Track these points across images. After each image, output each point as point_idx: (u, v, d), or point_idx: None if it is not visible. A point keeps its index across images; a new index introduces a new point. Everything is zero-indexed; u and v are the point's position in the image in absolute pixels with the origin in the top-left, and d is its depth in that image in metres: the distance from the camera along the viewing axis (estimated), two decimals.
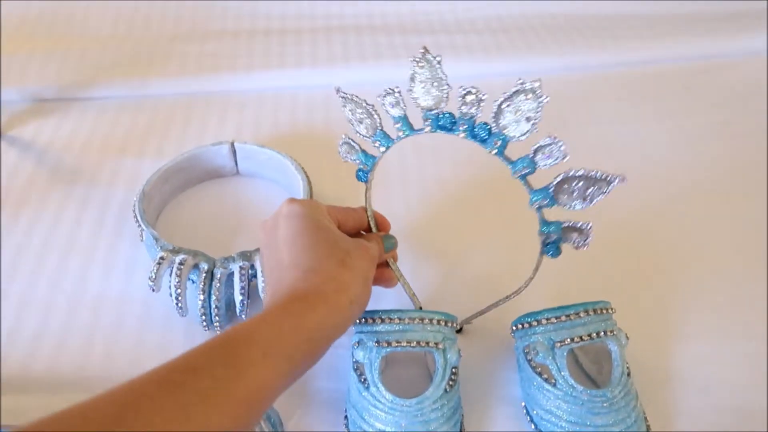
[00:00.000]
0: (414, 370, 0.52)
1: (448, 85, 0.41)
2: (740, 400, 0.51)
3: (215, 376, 0.33)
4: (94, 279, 0.59)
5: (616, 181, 0.38)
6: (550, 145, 0.39)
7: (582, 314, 0.47)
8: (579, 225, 0.42)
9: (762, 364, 0.53)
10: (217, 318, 0.53)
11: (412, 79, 0.41)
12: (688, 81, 0.87)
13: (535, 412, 0.47)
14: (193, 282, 0.53)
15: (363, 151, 0.49)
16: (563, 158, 0.39)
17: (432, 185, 0.70)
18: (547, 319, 0.47)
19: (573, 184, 0.40)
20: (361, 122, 0.47)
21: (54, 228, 0.64)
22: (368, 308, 0.45)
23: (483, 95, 0.40)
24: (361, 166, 0.49)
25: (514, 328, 0.50)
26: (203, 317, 0.53)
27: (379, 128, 0.46)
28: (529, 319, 0.48)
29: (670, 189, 0.71)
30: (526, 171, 0.41)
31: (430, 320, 0.47)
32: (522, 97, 0.38)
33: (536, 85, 0.37)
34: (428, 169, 0.72)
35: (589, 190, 0.39)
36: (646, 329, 0.55)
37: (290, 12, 0.99)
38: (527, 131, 0.39)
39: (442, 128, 0.42)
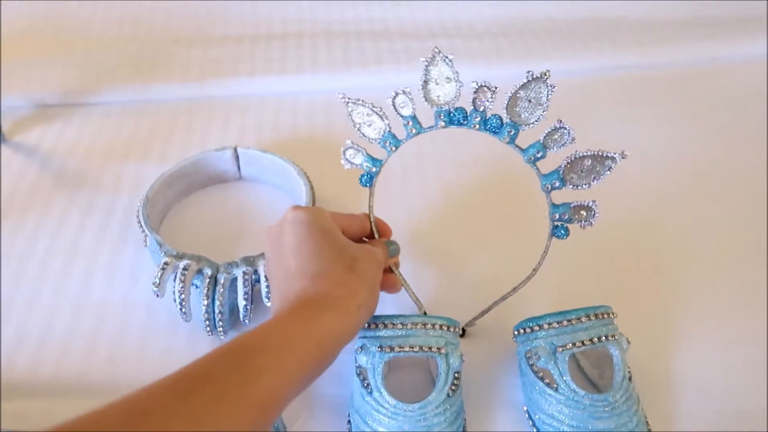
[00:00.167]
0: (417, 375, 0.52)
1: (459, 81, 0.44)
2: (741, 404, 0.51)
3: (226, 383, 0.33)
4: (98, 284, 0.59)
5: (619, 156, 0.43)
6: (559, 129, 0.43)
7: (584, 319, 0.47)
8: (587, 203, 0.45)
9: (762, 367, 0.53)
10: (220, 323, 0.53)
11: (426, 77, 0.44)
12: (688, 85, 0.88)
13: (537, 416, 0.48)
14: (197, 287, 0.54)
15: (369, 155, 0.49)
16: (572, 141, 0.43)
17: (433, 190, 0.71)
18: (549, 324, 0.48)
19: (581, 164, 0.44)
20: (370, 125, 0.48)
21: (58, 233, 0.64)
22: None
23: (495, 88, 0.43)
24: (368, 170, 0.50)
25: (516, 332, 0.50)
26: (207, 322, 0.53)
27: (388, 130, 0.48)
28: (531, 324, 0.49)
29: (670, 193, 0.71)
30: (539, 155, 0.45)
31: (433, 325, 0.47)
32: (533, 84, 0.42)
33: (546, 73, 0.42)
34: (429, 175, 0.72)
35: (597, 168, 0.43)
36: (647, 333, 0.55)
37: (292, 17, 0.99)
38: (539, 117, 0.43)
39: (456, 123, 0.45)
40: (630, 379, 0.48)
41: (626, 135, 0.79)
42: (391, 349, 0.46)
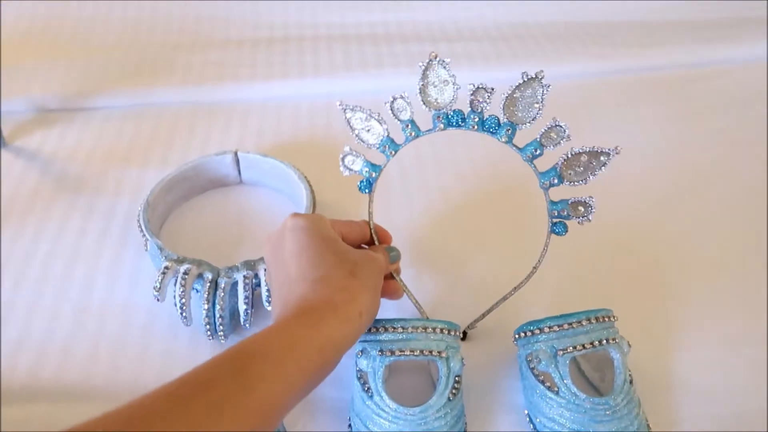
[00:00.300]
0: (417, 379, 0.52)
1: (456, 84, 0.45)
2: (742, 406, 0.51)
3: (227, 389, 0.33)
4: (99, 288, 0.59)
5: (613, 151, 0.44)
6: (555, 126, 0.44)
7: (584, 322, 0.47)
8: (584, 199, 0.46)
9: (763, 370, 0.53)
10: (221, 327, 0.53)
11: (424, 81, 0.45)
12: (688, 86, 0.88)
13: (538, 420, 0.48)
14: (198, 291, 0.54)
15: (368, 161, 0.49)
16: (567, 138, 0.44)
17: (433, 195, 0.71)
18: (550, 328, 0.48)
19: (577, 161, 0.45)
20: (368, 130, 0.48)
21: (59, 237, 0.64)
22: None
23: (491, 89, 0.44)
24: (367, 175, 0.50)
25: (516, 336, 0.50)
26: (207, 326, 0.53)
27: (386, 134, 0.48)
28: (531, 328, 0.49)
29: (670, 194, 0.71)
30: (537, 153, 0.45)
31: (433, 329, 0.47)
32: (529, 84, 0.43)
33: (540, 73, 0.43)
34: (429, 179, 0.72)
35: (592, 164, 0.45)
36: (648, 336, 0.55)
37: (292, 22, 1.00)
38: (535, 116, 0.44)
39: (455, 124, 0.46)
40: (631, 382, 0.48)
41: (627, 136, 0.79)
42: (392, 352, 0.46)
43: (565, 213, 0.47)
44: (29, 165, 0.74)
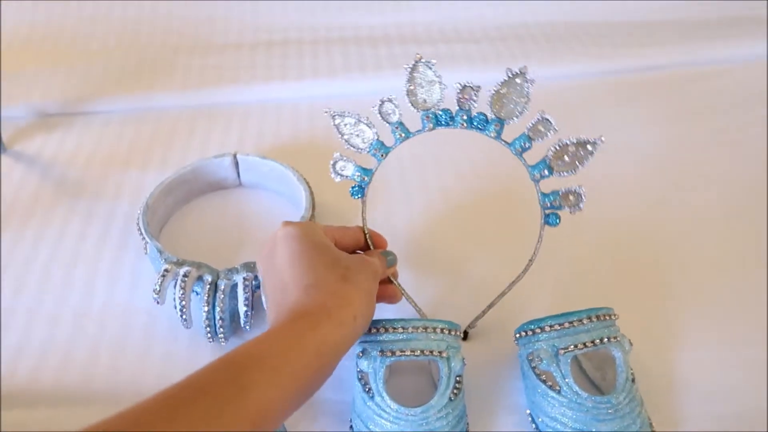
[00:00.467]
0: (418, 379, 0.52)
1: (443, 84, 0.46)
2: (743, 405, 0.51)
3: (222, 396, 0.33)
4: (99, 292, 0.59)
5: (599, 140, 0.45)
6: (542, 120, 0.45)
7: (585, 321, 0.47)
8: (574, 189, 0.47)
9: (763, 370, 0.53)
10: (221, 329, 0.53)
11: (411, 83, 0.46)
12: (688, 86, 0.88)
13: (540, 419, 0.47)
14: (198, 294, 0.53)
15: (359, 165, 0.50)
16: (554, 130, 0.45)
17: (432, 195, 0.70)
18: (551, 326, 0.48)
19: (565, 151, 0.46)
20: (359, 135, 0.48)
21: (59, 241, 0.64)
22: None
23: (478, 87, 0.45)
24: (359, 180, 0.50)
25: (517, 335, 0.50)
26: (208, 329, 0.53)
27: (376, 138, 0.48)
28: (532, 327, 0.49)
29: (670, 194, 0.71)
30: (526, 146, 0.46)
31: (434, 329, 0.47)
32: (514, 80, 0.45)
33: (524, 68, 0.44)
34: (428, 180, 0.72)
35: (580, 153, 0.45)
36: (648, 336, 0.54)
37: (291, 24, 1.00)
38: (522, 110, 0.45)
39: (444, 123, 0.47)
40: (633, 380, 0.48)
41: (627, 136, 0.78)
42: (393, 353, 0.46)
43: (557, 203, 0.47)
44: (29, 170, 0.74)
